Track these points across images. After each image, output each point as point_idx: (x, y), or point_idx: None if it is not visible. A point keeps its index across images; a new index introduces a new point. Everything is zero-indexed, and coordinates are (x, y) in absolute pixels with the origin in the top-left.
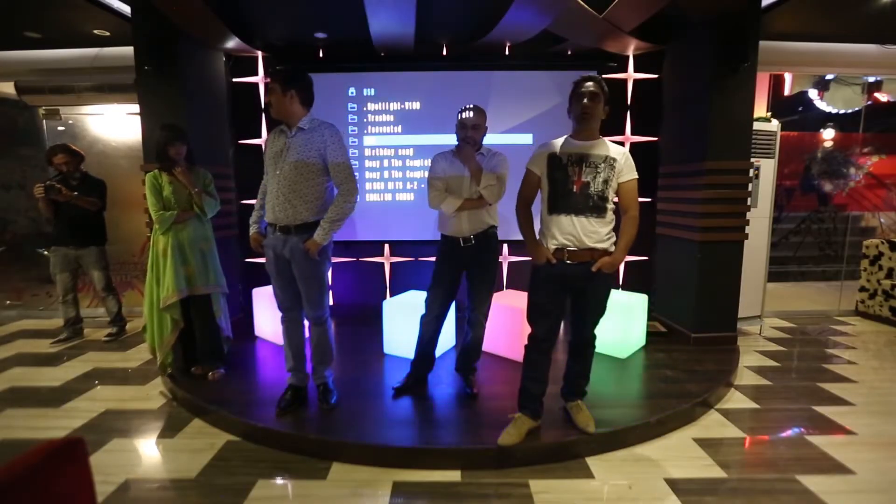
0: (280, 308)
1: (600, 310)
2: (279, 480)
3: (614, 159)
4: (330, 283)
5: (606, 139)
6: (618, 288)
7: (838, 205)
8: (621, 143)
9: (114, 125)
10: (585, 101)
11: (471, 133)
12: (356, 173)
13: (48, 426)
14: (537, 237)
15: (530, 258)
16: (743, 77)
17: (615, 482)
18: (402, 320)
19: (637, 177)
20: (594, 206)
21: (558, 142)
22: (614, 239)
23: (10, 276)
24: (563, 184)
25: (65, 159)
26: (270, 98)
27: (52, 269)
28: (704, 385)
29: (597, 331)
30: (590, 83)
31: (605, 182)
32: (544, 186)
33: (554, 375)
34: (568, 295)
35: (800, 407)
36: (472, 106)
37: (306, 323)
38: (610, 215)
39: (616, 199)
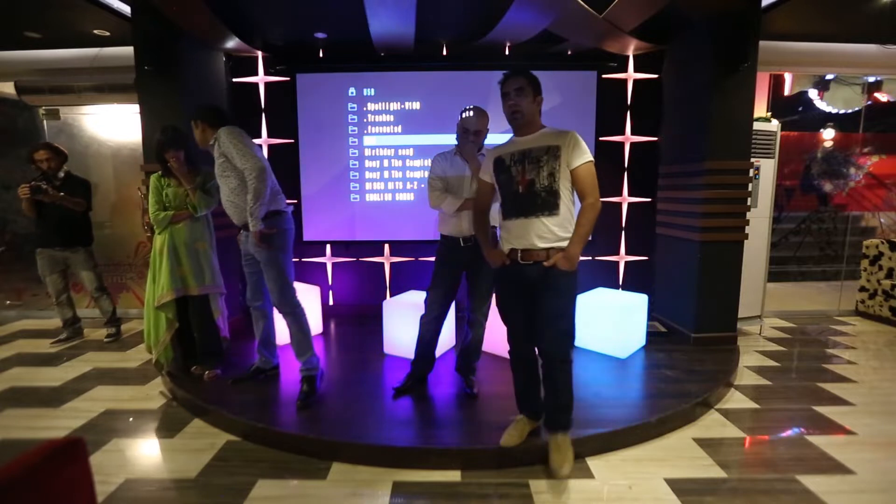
0: (247, 300)
1: (559, 319)
2: (279, 480)
3: (557, 147)
4: (331, 282)
5: (549, 128)
6: (618, 288)
7: (838, 205)
8: (622, 139)
9: (112, 125)
10: (511, 99)
11: (473, 139)
12: (356, 173)
13: (48, 426)
14: (496, 241)
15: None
16: (743, 77)
17: (615, 482)
18: (402, 320)
19: (591, 160)
20: (543, 204)
21: (502, 144)
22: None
23: (10, 276)
24: (509, 186)
25: (46, 156)
26: (195, 135)
27: (40, 271)
28: (704, 385)
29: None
30: (512, 79)
31: (551, 175)
32: (497, 193)
33: None
34: (529, 297)
35: (800, 407)
36: (473, 107)
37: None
38: (566, 211)
39: (574, 190)
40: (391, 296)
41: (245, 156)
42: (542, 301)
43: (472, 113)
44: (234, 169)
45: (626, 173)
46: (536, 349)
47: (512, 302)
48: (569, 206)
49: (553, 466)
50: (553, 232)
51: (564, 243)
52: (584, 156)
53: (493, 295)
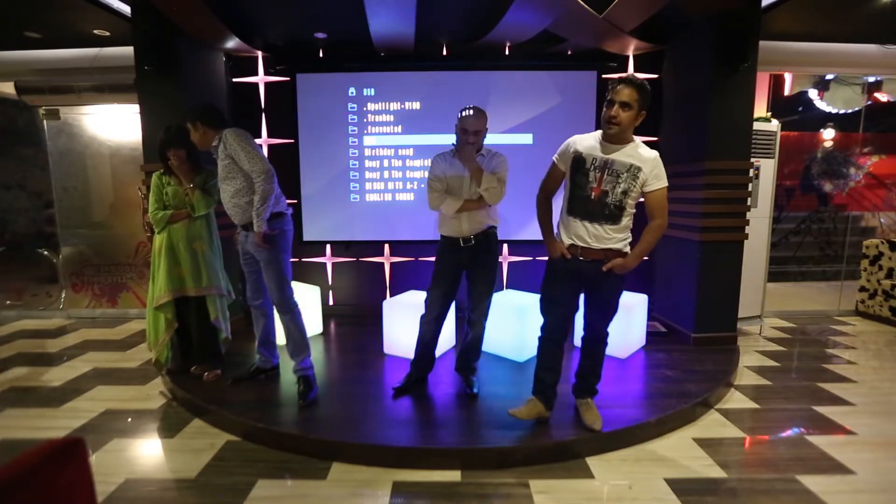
0: (247, 299)
1: (611, 308)
2: (279, 480)
3: (639, 168)
4: (331, 282)
5: (639, 142)
6: None
7: (838, 205)
8: None
9: (112, 125)
10: (614, 109)
11: (472, 139)
12: (356, 173)
13: (48, 426)
14: (555, 231)
15: (546, 255)
16: (743, 77)
17: (615, 482)
18: (402, 320)
19: (666, 185)
20: (609, 215)
21: (588, 140)
22: (630, 240)
23: (10, 276)
24: (582, 189)
25: None
26: (192, 138)
27: None
28: (704, 385)
29: (609, 329)
30: (625, 89)
31: (625, 193)
32: (566, 184)
33: (564, 375)
34: (580, 290)
35: (800, 407)
36: (472, 107)
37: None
38: (626, 221)
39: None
40: (391, 296)
41: (253, 158)
42: (597, 296)
43: (471, 112)
44: (240, 171)
45: None
46: (584, 331)
47: (561, 292)
48: (629, 217)
49: (588, 423)
50: (611, 236)
51: (619, 246)
52: (662, 181)
53: (493, 294)
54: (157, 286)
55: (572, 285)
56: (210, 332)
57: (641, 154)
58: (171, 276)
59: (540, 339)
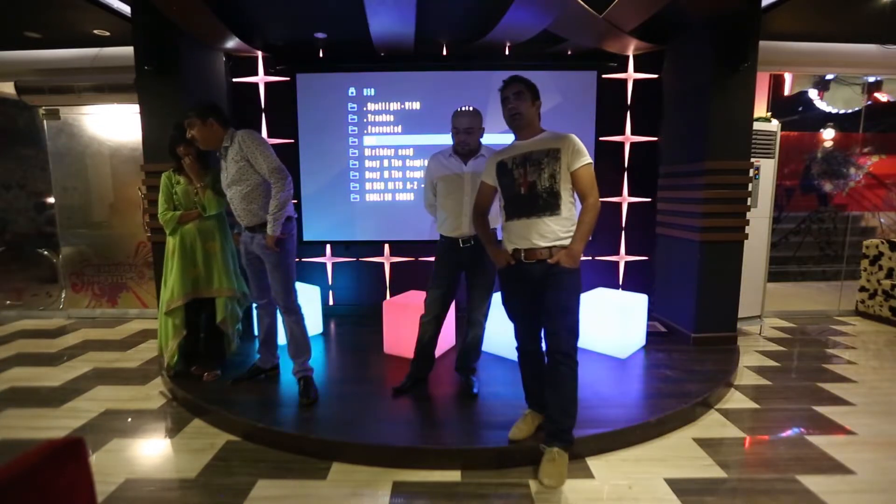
0: (252, 299)
1: (564, 315)
2: (279, 480)
3: (557, 150)
4: (331, 282)
5: (549, 132)
6: (618, 288)
7: (838, 205)
8: (625, 140)
9: (112, 125)
10: (510, 103)
11: (463, 137)
12: (356, 173)
13: (48, 426)
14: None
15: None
16: (743, 77)
17: (615, 482)
18: (402, 320)
19: (590, 161)
20: (545, 205)
21: (505, 149)
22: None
23: (10, 276)
24: (511, 188)
25: None
26: (194, 133)
27: None
28: (704, 385)
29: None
30: (511, 85)
31: (552, 176)
32: (500, 196)
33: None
34: (534, 295)
35: (800, 407)
36: (466, 106)
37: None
38: (567, 212)
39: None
40: (391, 296)
41: (273, 161)
42: (546, 298)
43: (463, 110)
44: (254, 173)
45: (626, 173)
46: (544, 345)
47: (517, 301)
48: (569, 206)
49: (541, 476)
50: (554, 231)
51: (565, 242)
52: (584, 158)
53: (493, 295)
54: (169, 290)
55: (525, 292)
56: (218, 334)
57: (556, 137)
58: (185, 279)
59: (517, 349)
